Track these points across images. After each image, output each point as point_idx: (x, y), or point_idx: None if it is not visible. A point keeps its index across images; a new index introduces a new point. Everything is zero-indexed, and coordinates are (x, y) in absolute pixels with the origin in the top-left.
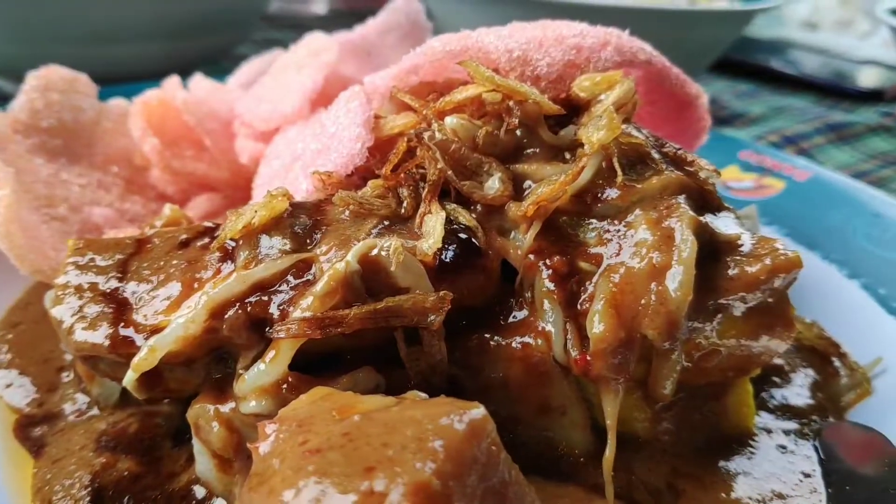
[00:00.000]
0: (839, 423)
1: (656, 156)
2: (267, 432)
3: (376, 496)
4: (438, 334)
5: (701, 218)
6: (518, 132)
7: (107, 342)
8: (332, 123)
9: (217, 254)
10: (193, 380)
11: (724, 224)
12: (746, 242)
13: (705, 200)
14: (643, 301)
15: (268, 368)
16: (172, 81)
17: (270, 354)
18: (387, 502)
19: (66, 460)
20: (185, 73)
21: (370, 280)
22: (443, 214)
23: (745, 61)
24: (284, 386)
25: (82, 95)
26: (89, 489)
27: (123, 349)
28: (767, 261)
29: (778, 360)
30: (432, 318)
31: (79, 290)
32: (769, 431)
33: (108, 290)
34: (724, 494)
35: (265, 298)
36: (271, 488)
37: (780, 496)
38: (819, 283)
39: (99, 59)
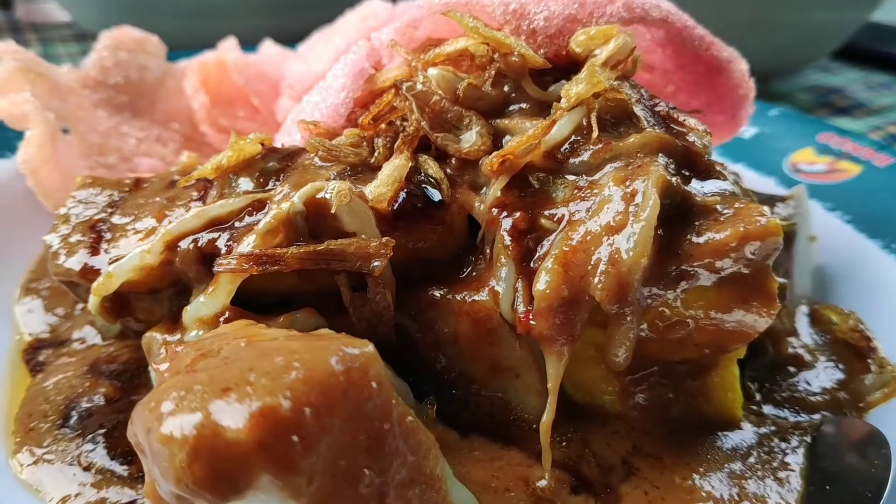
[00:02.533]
0: (841, 419)
1: (641, 113)
2: (173, 353)
3: (223, 414)
4: (384, 281)
5: (675, 178)
6: (506, 88)
7: (78, 268)
8: (330, 76)
9: (194, 193)
10: (159, 310)
11: (707, 189)
12: (725, 208)
13: (691, 163)
14: (594, 261)
15: (207, 301)
16: (228, 43)
17: (212, 288)
18: (229, 422)
19: (57, 381)
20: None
21: (317, 222)
22: (397, 162)
23: (880, 51)
24: (223, 319)
25: (150, 55)
26: (62, 407)
27: (91, 276)
28: (740, 227)
29: (800, 349)
30: (375, 263)
31: (70, 220)
32: (762, 422)
33: (94, 223)
34: (679, 479)
35: (217, 234)
36: (143, 401)
37: (742, 489)
38: (872, 272)
39: (203, 32)
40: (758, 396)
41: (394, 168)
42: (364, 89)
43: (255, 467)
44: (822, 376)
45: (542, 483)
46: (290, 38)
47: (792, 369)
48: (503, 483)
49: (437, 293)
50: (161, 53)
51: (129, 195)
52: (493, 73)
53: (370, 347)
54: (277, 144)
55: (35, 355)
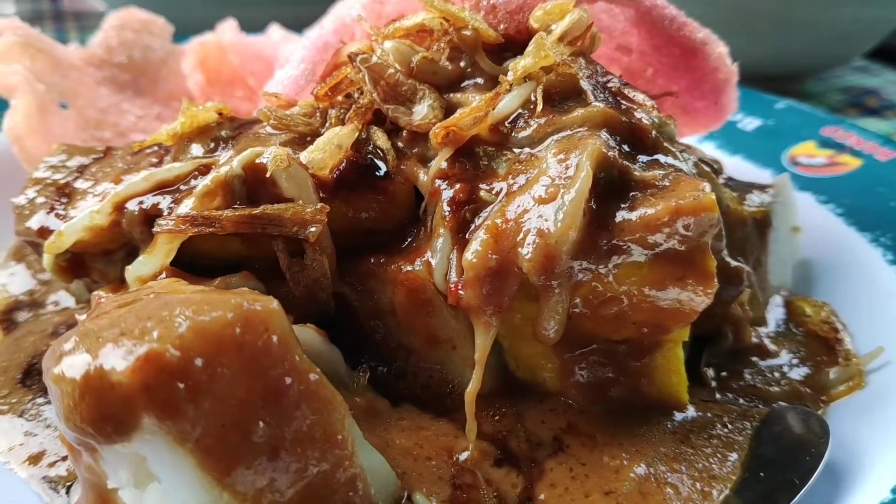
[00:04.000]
0: (790, 408)
1: (588, 87)
2: (97, 302)
3: (111, 357)
4: (321, 248)
5: (613, 153)
6: (462, 63)
7: (36, 227)
8: (297, 49)
9: (154, 159)
10: (113, 271)
11: (647, 163)
12: (664, 183)
13: (636, 139)
14: (523, 230)
15: (146, 260)
16: (227, 25)
17: (151, 248)
18: (115, 364)
19: (25, 339)
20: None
21: (256, 188)
22: (339, 129)
23: None
24: (161, 278)
25: (155, 36)
26: (24, 364)
27: (47, 235)
28: (672, 201)
29: (766, 340)
30: (311, 229)
31: (39, 182)
32: (708, 408)
33: (60, 186)
34: (607, 458)
35: (163, 197)
36: (51, 345)
37: (673, 471)
38: (856, 266)
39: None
40: (713, 383)
41: (334, 135)
42: (329, 63)
43: (138, 409)
44: (785, 367)
45: (465, 455)
46: (304, 27)
47: (754, 359)
48: (425, 452)
49: (376, 262)
50: (166, 35)
51: (96, 162)
52: (445, 46)
53: (274, 304)
54: None
55: (10, 315)
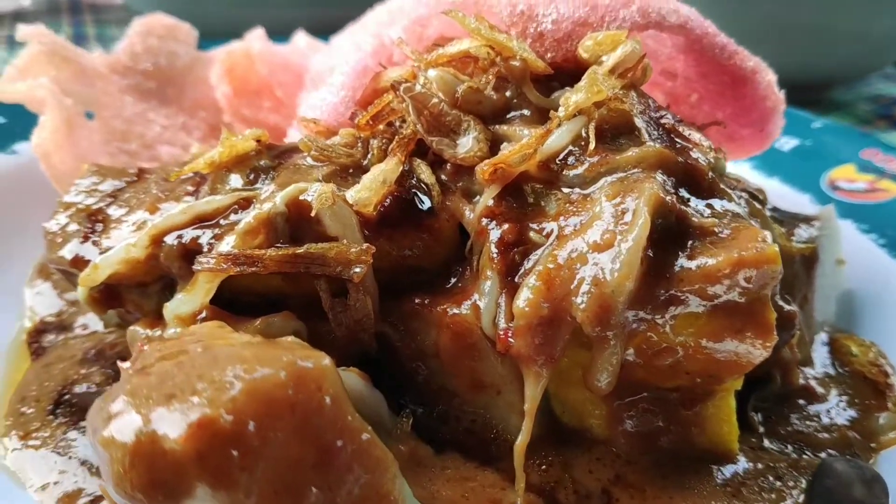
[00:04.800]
0: (845, 461)
1: (642, 125)
2: (139, 350)
3: (163, 422)
4: (365, 288)
5: (671, 197)
6: (508, 93)
7: (69, 256)
8: (336, 73)
9: (189, 187)
10: (147, 303)
11: (707, 210)
12: (724, 231)
13: (692, 181)
14: (578, 280)
15: (185, 298)
16: (255, 34)
17: (190, 286)
18: (167, 430)
19: (54, 366)
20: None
21: (299, 225)
22: (384, 166)
23: None
24: (201, 317)
25: (180, 42)
26: (54, 394)
27: (81, 266)
28: (734, 252)
29: (813, 381)
30: (356, 269)
31: (71, 208)
32: (759, 458)
33: (92, 212)
34: None
35: (202, 231)
36: (97, 400)
37: None
38: None
39: (243, 20)
40: (761, 429)
41: (380, 172)
42: (368, 88)
43: (191, 478)
44: (833, 411)
45: None
46: (330, 30)
47: (801, 402)
48: None
49: (420, 303)
50: (192, 41)
51: (130, 186)
52: (493, 77)
53: (326, 360)
54: (288, 140)
55: (39, 339)
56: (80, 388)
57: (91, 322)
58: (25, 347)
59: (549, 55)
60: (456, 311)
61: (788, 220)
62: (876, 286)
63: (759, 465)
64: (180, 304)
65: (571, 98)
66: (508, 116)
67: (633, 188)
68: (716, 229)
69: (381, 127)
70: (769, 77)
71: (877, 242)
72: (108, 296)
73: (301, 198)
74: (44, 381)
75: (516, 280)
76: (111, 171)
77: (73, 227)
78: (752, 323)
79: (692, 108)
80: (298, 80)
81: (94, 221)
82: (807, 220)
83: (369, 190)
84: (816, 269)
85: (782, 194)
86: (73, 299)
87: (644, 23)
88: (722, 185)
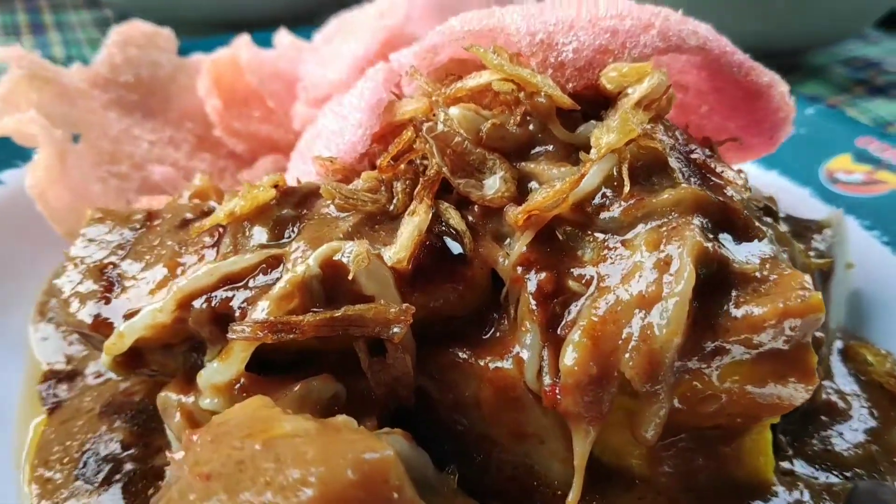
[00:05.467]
0: (876, 485)
1: (676, 165)
2: (188, 441)
3: None
4: (403, 347)
5: (711, 244)
6: (531, 127)
7: (89, 320)
8: (347, 103)
9: (207, 238)
10: (172, 363)
11: (745, 251)
12: (765, 277)
13: (728, 221)
14: (625, 335)
15: (220, 368)
16: (242, 40)
17: (226, 354)
18: None
19: (72, 422)
20: (305, 21)
21: (333, 285)
22: (417, 219)
23: None
24: (237, 386)
25: (161, 50)
26: (79, 455)
27: (103, 330)
28: (780, 303)
29: (834, 395)
30: (395, 329)
31: (81, 262)
32: (793, 484)
33: (105, 267)
34: None
35: (231, 294)
36: None
37: None
38: None
39: (224, 5)
40: (789, 451)
41: (413, 227)
42: (382, 120)
43: None
44: (855, 425)
45: None
46: (310, 14)
47: (825, 418)
48: None
49: (459, 355)
50: (172, 48)
51: (140, 234)
52: (519, 115)
53: (389, 451)
54: (291, 167)
55: (51, 389)
56: (104, 449)
57: (102, 368)
58: (38, 397)
59: (570, 85)
60: (498, 364)
61: (802, 230)
62: (882, 286)
63: (796, 493)
64: (215, 374)
65: (603, 139)
66: (533, 153)
67: (674, 235)
68: (756, 275)
69: (402, 167)
70: (783, 88)
71: (880, 240)
72: (133, 359)
73: (335, 258)
74: (65, 441)
75: (558, 332)
76: (117, 217)
77: (88, 285)
78: (795, 368)
79: (701, 118)
80: (290, 90)
81: (109, 278)
82: (819, 227)
83: (406, 249)
84: (832, 281)
85: (783, 188)
86: (79, 339)
87: (665, 47)
88: (756, 223)
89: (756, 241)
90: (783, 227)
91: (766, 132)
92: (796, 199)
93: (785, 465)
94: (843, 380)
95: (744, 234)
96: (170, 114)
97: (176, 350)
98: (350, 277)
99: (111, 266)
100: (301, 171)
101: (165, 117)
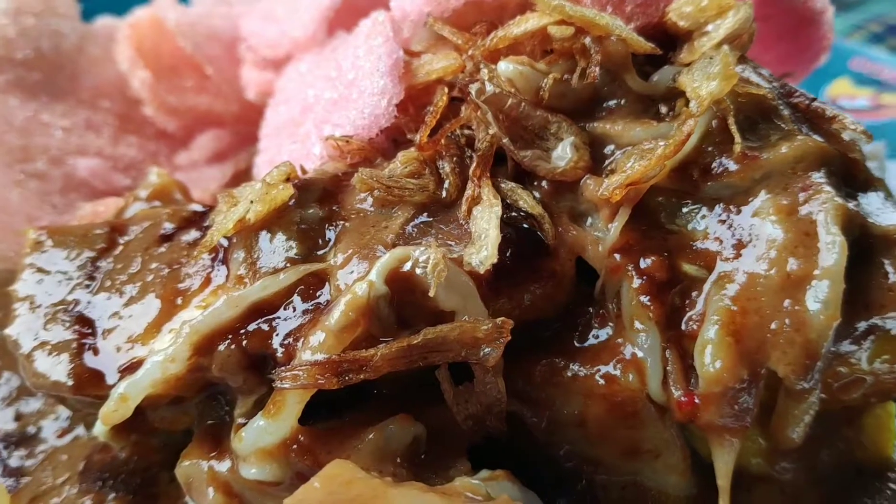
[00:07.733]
0: None
1: (785, 112)
2: None
3: None
4: (495, 370)
5: (849, 204)
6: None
7: (70, 381)
8: (350, 66)
9: (207, 255)
10: (184, 419)
11: (876, 207)
12: None
13: (850, 174)
14: (773, 326)
15: (270, 426)
16: (165, 1)
17: (273, 407)
18: None
19: (46, 498)
20: None
21: (402, 302)
22: (497, 208)
23: None
24: (293, 447)
25: (62, 17)
26: None
27: (91, 390)
28: None
29: None
30: (487, 351)
31: (35, 303)
32: None
33: (73, 306)
34: None
35: (265, 328)
36: None
37: None
38: None
39: None
40: None
41: (496, 219)
42: (404, 83)
43: None
44: None
45: None
46: None
47: None
48: None
49: (555, 368)
50: (74, 13)
51: (104, 255)
52: (595, 69)
53: None
54: (263, 148)
55: (6, 462)
56: None
57: (64, 422)
58: None
59: (631, 24)
60: (610, 375)
61: None
62: None
63: None
64: (264, 435)
65: (702, 88)
66: (599, 109)
67: (809, 199)
68: None
69: (441, 141)
70: (831, 14)
71: None
72: (135, 422)
73: (402, 269)
74: None
75: (683, 329)
76: (71, 236)
77: (56, 333)
78: None
79: None
80: (229, 52)
81: (83, 320)
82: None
83: (493, 246)
84: None
85: None
86: (19, 385)
87: None
88: (874, 174)
89: (880, 194)
90: None
91: (806, 61)
92: None
93: None
94: None
95: (866, 187)
96: (82, 93)
97: (188, 404)
98: (431, 294)
99: (78, 303)
100: (287, 152)
101: (77, 97)
